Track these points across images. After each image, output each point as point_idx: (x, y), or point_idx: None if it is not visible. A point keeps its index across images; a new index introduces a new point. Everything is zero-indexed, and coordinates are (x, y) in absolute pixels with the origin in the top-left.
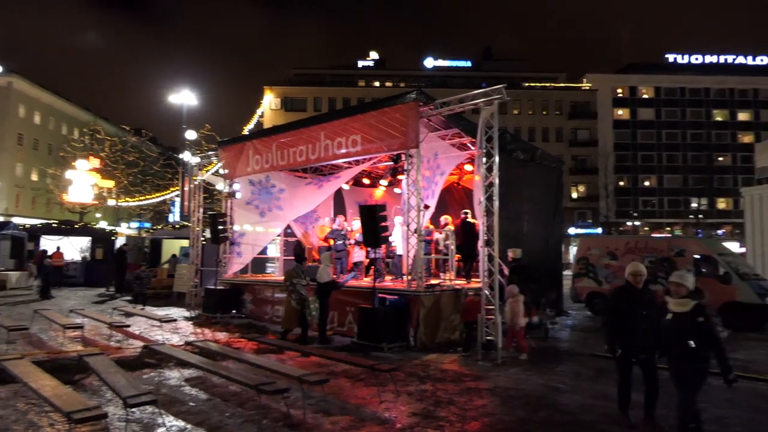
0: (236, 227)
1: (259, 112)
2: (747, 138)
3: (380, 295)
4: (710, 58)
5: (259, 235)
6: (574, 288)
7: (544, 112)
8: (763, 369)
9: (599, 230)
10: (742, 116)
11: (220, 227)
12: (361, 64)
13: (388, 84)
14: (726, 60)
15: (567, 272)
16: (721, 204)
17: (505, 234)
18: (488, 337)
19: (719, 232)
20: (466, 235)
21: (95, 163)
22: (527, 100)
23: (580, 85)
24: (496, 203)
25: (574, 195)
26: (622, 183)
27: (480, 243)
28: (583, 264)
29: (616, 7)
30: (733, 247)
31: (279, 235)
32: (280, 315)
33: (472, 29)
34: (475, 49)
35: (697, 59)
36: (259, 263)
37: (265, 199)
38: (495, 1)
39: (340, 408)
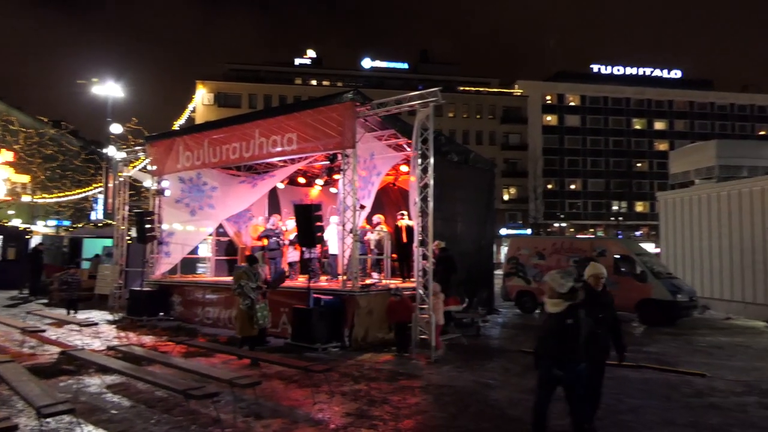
0: (165, 226)
1: (190, 107)
2: (663, 146)
3: (315, 295)
4: (630, 70)
5: (190, 234)
6: (504, 287)
7: (478, 116)
8: (674, 361)
9: (528, 231)
10: (659, 125)
11: (148, 226)
12: (298, 61)
13: (325, 83)
14: (644, 72)
15: (498, 271)
16: (639, 207)
17: (439, 234)
18: (422, 336)
19: (637, 233)
20: (403, 235)
21: (8, 156)
22: (462, 103)
23: (512, 90)
24: (431, 204)
25: (506, 197)
26: (550, 186)
27: (415, 243)
28: (513, 263)
29: (546, 17)
30: (649, 247)
31: (210, 235)
32: (211, 317)
33: (408, 32)
34: (412, 52)
35: (619, 70)
36: (190, 263)
37: (196, 197)
38: (431, 6)
39: (273, 411)
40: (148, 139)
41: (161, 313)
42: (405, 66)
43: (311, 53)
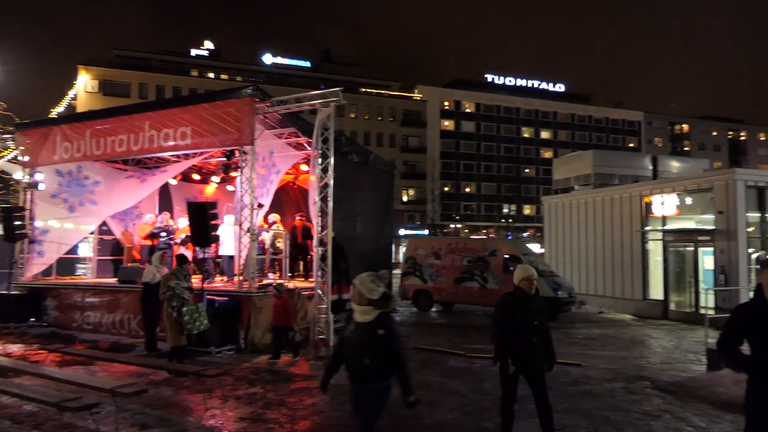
0: (38, 223)
1: (71, 93)
2: (548, 153)
3: (209, 296)
4: (521, 82)
5: (68, 232)
6: (402, 286)
7: (379, 118)
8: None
9: (426, 232)
10: (545, 134)
11: (17, 222)
12: (194, 52)
13: (223, 76)
14: (533, 84)
15: (397, 271)
16: (527, 210)
17: (338, 234)
18: (321, 336)
19: (524, 234)
20: (303, 235)
21: None
22: (364, 105)
23: (412, 95)
24: (331, 204)
25: (405, 198)
26: (446, 188)
27: (314, 242)
28: (411, 263)
29: (445, 27)
30: (535, 247)
31: (92, 233)
32: (92, 322)
33: (311, 31)
34: (315, 51)
35: (510, 81)
36: (68, 264)
37: (76, 191)
38: (334, 6)
39: (160, 419)
40: (20, 126)
41: (32, 319)
42: (307, 64)
43: (209, 45)
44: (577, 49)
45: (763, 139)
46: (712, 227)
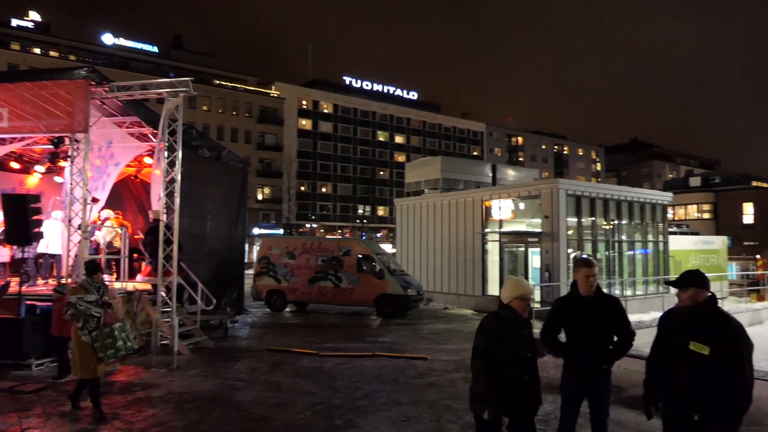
0: None
1: None
2: (401, 157)
3: (28, 302)
4: (377, 87)
5: None
6: (255, 286)
7: (234, 113)
8: (403, 348)
9: (281, 231)
10: (399, 139)
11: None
12: (16, 23)
13: (53, 54)
14: (389, 90)
15: (249, 271)
16: (381, 211)
17: (186, 232)
18: (163, 341)
19: (378, 235)
20: (151, 233)
21: None
22: (218, 98)
23: (269, 91)
24: (177, 200)
25: (260, 196)
26: (303, 188)
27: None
28: (265, 263)
29: (305, 24)
30: (388, 248)
31: None
32: None
33: (159, 13)
34: (162, 36)
35: (367, 85)
36: None
37: None
38: None
39: None
40: None
41: None
42: (154, 49)
43: (35, 16)
44: (429, 60)
45: (581, 153)
46: (540, 230)
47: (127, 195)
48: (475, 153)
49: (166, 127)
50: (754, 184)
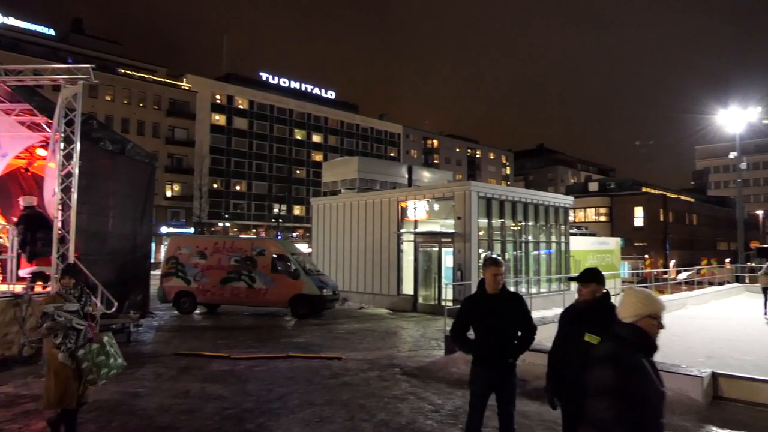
0: None
1: None
2: (318, 156)
3: None
4: (294, 84)
5: None
6: (162, 288)
7: (141, 105)
8: (317, 349)
9: (192, 230)
10: (316, 138)
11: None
12: None
13: None
14: (306, 88)
15: (156, 272)
16: (297, 211)
17: (85, 230)
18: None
19: (294, 234)
20: (23, 221)
21: None
22: (123, 88)
23: (180, 83)
24: (75, 195)
25: (169, 193)
26: (216, 185)
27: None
28: (173, 263)
29: (220, 16)
30: (303, 247)
31: None
32: None
33: None
34: (60, 18)
35: (284, 82)
36: None
37: None
38: None
39: None
40: None
41: None
42: (50, 32)
43: None
44: (348, 60)
45: (492, 157)
46: (453, 231)
47: (16, 189)
48: (391, 154)
49: (62, 116)
50: (644, 190)
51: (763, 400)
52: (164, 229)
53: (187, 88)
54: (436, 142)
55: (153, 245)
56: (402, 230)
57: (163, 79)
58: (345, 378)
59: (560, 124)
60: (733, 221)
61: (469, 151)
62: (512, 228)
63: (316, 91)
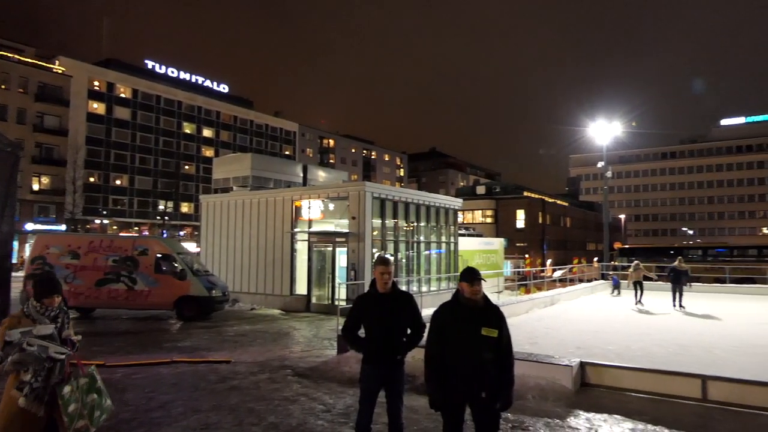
0: None
1: None
2: (209, 152)
3: None
4: (184, 75)
5: None
6: (25, 291)
7: (4, 87)
8: (204, 352)
9: (63, 227)
10: (207, 132)
11: None
12: None
13: None
14: (197, 80)
15: (20, 273)
16: (185, 208)
17: None
18: None
19: (181, 233)
20: None
21: None
22: None
23: (52, 66)
24: None
25: (36, 186)
26: (93, 179)
27: None
28: (40, 263)
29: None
30: (191, 246)
31: None
32: None
33: None
34: None
35: (173, 72)
36: None
37: None
38: None
39: None
40: None
41: None
42: None
43: None
44: (243, 54)
45: (387, 159)
46: (347, 230)
47: None
48: (287, 152)
49: None
50: (526, 194)
51: (624, 385)
52: (30, 226)
53: (60, 71)
54: (332, 142)
55: (16, 243)
56: (296, 229)
57: (31, 61)
58: (233, 382)
59: (452, 129)
60: (601, 224)
61: (364, 151)
62: (405, 228)
63: (208, 83)
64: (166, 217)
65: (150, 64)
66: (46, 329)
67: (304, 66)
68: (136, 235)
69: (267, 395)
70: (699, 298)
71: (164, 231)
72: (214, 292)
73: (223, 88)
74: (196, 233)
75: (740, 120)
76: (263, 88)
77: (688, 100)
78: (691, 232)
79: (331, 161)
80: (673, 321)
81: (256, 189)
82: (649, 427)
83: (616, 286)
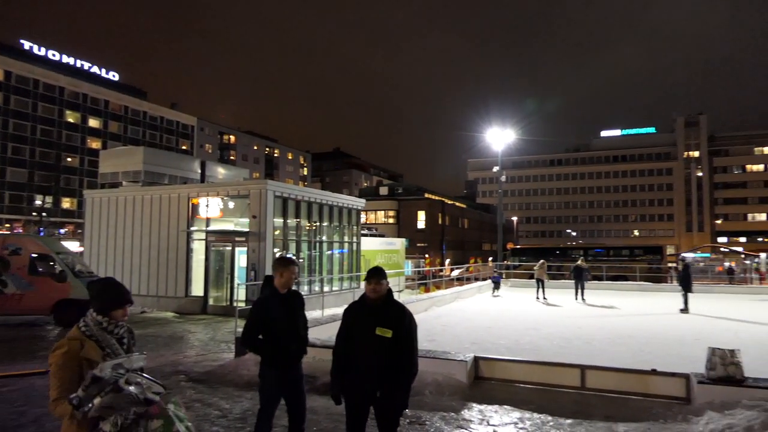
0: None
1: None
2: (96, 144)
3: None
4: (68, 59)
5: None
6: None
7: None
8: None
9: None
10: (93, 123)
11: None
12: None
13: None
14: (83, 65)
15: None
16: (67, 203)
17: None
18: None
19: (62, 231)
20: None
21: None
22: None
23: None
24: None
25: None
26: None
27: None
28: None
29: None
30: (73, 246)
31: None
32: None
33: None
34: None
35: (54, 55)
36: None
37: None
38: None
39: None
40: None
41: None
42: None
43: None
44: (137, 42)
45: (290, 158)
46: (247, 230)
47: None
48: (183, 147)
49: None
50: (426, 195)
51: (514, 377)
52: None
53: None
54: (233, 138)
55: None
56: (193, 228)
57: None
58: None
59: (356, 130)
60: (495, 226)
61: (267, 149)
62: (307, 228)
63: (96, 70)
64: (44, 213)
65: (27, 44)
66: (138, 360)
67: (208, 59)
68: (7, 233)
69: None
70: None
71: (41, 228)
72: None
73: (113, 76)
74: (79, 231)
75: (617, 132)
76: (159, 79)
77: (578, 109)
78: (574, 233)
79: (231, 158)
80: (558, 316)
81: (149, 185)
82: (534, 415)
83: (497, 285)
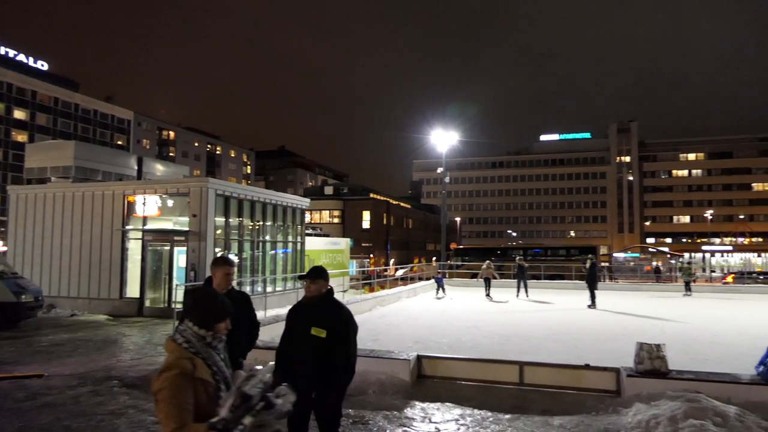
0: None
1: None
2: (21, 137)
3: None
4: None
5: None
6: None
7: None
8: (11, 366)
9: None
10: (19, 114)
11: None
12: None
13: None
14: (7, 53)
15: None
16: None
17: None
18: None
19: None
20: None
21: None
22: None
23: None
24: None
25: None
26: None
27: None
28: None
29: None
30: None
31: None
32: None
33: None
34: None
35: None
36: None
37: None
38: None
39: None
40: None
41: None
42: None
43: None
44: (68, 29)
45: (233, 155)
46: (187, 229)
47: None
48: (119, 142)
49: None
50: (371, 195)
51: (456, 374)
52: None
53: None
54: (172, 134)
55: None
56: (128, 227)
57: None
58: (47, 398)
59: (302, 129)
60: (439, 226)
61: (209, 146)
62: (250, 227)
63: (22, 58)
64: None
65: None
66: (267, 371)
67: (143, 51)
68: None
69: (88, 410)
70: (517, 293)
71: None
72: (23, 297)
73: (42, 66)
74: (2, 229)
75: (555, 137)
76: (93, 70)
77: (521, 112)
78: (515, 234)
79: (171, 155)
80: (498, 314)
81: (81, 181)
82: (475, 411)
83: (440, 286)
